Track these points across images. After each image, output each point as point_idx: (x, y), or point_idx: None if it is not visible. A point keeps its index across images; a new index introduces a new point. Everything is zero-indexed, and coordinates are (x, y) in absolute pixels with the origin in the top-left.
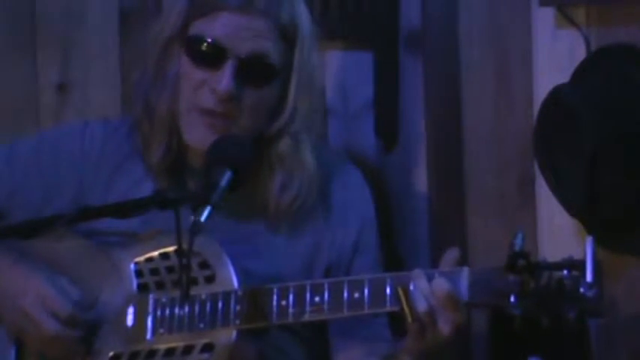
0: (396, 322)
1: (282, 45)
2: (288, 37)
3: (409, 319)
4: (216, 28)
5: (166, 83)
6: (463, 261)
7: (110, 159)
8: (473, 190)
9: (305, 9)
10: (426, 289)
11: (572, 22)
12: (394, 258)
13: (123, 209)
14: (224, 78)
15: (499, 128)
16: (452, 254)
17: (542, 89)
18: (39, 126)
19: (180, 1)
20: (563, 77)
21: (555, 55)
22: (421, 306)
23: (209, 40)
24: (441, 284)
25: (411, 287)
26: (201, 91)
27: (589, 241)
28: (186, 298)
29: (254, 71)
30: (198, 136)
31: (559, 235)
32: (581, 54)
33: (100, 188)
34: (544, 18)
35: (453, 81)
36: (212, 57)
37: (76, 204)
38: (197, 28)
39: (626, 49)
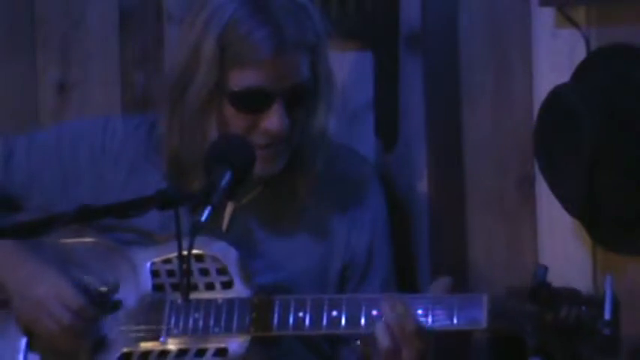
0: None
1: (310, 59)
2: (313, 48)
3: None
4: (254, 77)
5: (211, 128)
6: (462, 261)
7: (129, 157)
8: (473, 190)
9: (319, 14)
10: (397, 324)
11: (572, 22)
12: (394, 258)
13: (123, 209)
14: (275, 119)
15: (499, 128)
16: (442, 283)
17: (542, 89)
18: (39, 126)
19: (208, 50)
20: (563, 77)
21: (555, 55)
22: (385, 343)
23: (252, 90)
24: (409, 323)
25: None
26: (253, 132)
27: (608, 279)
28: (186, 300)
29: (298, 100)
30: (259, 168)
31: (559, 235)
32: (581, 54)
33: (117, 185)
34: (544, 18)
35: (453, 81)
36: (260, 104)
37: (96, 199)
38: (237, 80)
39: (626, 49)
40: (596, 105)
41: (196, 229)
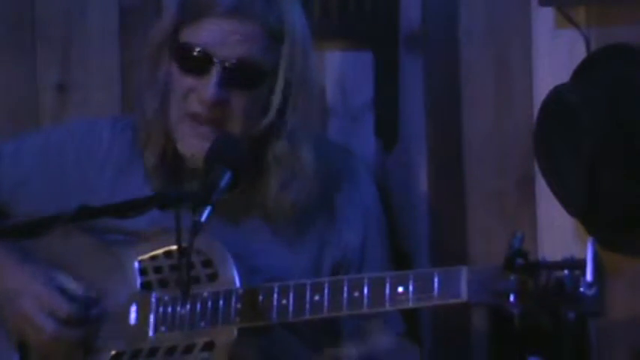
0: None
1: (271, 46)
2: (276, 37)
3: None
4: (203, 34)
5: (157, 90)
6: (463, 261)
7: (115, 159)
8: (473, 190)
9: (296, 7)
10: None
11: (572, 22)
12: (394, 258)
13: (123, 209)
14: (210, 85)
15: (499, 128)
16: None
17: (542, 89)
18: (39, 126)
19: (171, 7)
20: (563, 77)
21: (555, 55)
22: None
23: (196, 48)
24: None
25: None
26: (189, 98)
27: (590, 240)
28: (186, 297)
29: (241, 76)
30: (189, 145)
31: (559, 235)
32: (581, 54)
33: (105, 188)
34: (544, 18)
35: (453, 81)
36: (198, 64)
37: (84, 202)
38: (185, 35)
39: (626, 49)
40: (596, 105)
41: (197, 229)
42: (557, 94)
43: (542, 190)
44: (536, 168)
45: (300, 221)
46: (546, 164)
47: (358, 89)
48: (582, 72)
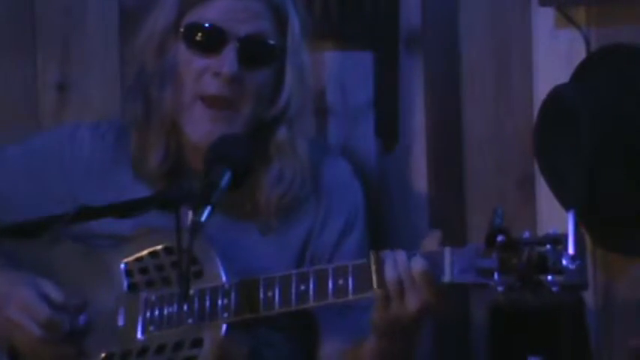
0: None
1: (276, 27)
2: (281, 19)
3: (374, 284)
4: (212, 13)
5: (166, 77)
6: None
7: (99, 163)
8: (473, 190)
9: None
10: (403, 262)
11: (572, 22)
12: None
13: (123, 209)
14: (227, 60)
15: (499, 128)
16: (433, 237)
17: (542, 89)
18: (39, 126)
19: None
20: (563, 77)
21: (555, 55)
22: (390, 274)
23: (207, 25)
24: (419, 262)
25: (385, 257)
26: (204, 77)
27: (570, 214)
28: (187, 296)
29: (255, 52)
30: (201, 131)
31: None
32: (581, 54)
33: (92, 193)
34: (544, 18)
35: (453, 81)
36: (212, 41)
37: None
38: (192, 16)
39: (626, 49)
40: (596, 105)
41: (196, 229)
42: (557, 94)
43: (542, 190)
44: (536, 168)
45: (286, 219)
46: (546, 164)
47: (358, 89)
48: (582, 72)
